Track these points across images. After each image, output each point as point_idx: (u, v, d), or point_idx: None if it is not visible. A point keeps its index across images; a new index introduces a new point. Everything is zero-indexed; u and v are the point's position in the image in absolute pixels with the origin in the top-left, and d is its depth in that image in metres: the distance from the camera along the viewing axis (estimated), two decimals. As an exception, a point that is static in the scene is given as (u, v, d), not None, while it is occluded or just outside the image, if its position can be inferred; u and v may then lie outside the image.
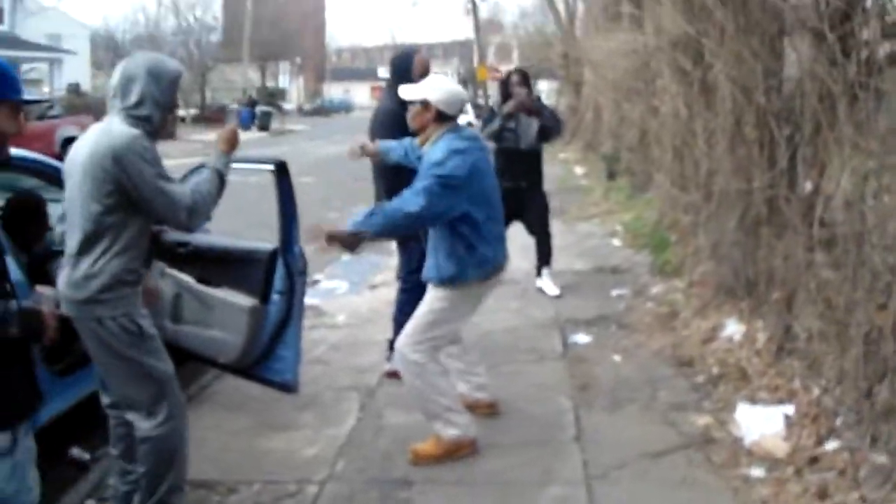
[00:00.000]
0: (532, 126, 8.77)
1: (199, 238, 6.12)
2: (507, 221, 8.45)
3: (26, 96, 3.40)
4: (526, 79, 9.11)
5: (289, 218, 5.46)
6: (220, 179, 4.37)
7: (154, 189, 3.99)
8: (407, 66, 6.38)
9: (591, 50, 19.05)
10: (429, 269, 5.26)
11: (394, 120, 6.24)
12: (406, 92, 5.20)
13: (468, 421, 5.31)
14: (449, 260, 5.10)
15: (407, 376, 5.22)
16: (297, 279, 5.52)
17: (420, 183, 4.88)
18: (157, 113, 4.19)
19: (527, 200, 8.93)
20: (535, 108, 8.80)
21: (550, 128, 8.84)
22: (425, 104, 5.10)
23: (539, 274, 9.40)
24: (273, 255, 5.46)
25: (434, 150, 5.01)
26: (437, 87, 5.17)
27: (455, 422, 5.21)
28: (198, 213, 4.18)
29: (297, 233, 5.52)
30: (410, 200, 4.81)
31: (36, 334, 3.07)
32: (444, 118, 5.11)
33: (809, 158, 5.79)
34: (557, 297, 9.05)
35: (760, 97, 6.30)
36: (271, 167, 5.41)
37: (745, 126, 6.61)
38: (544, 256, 9.38)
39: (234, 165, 6.35)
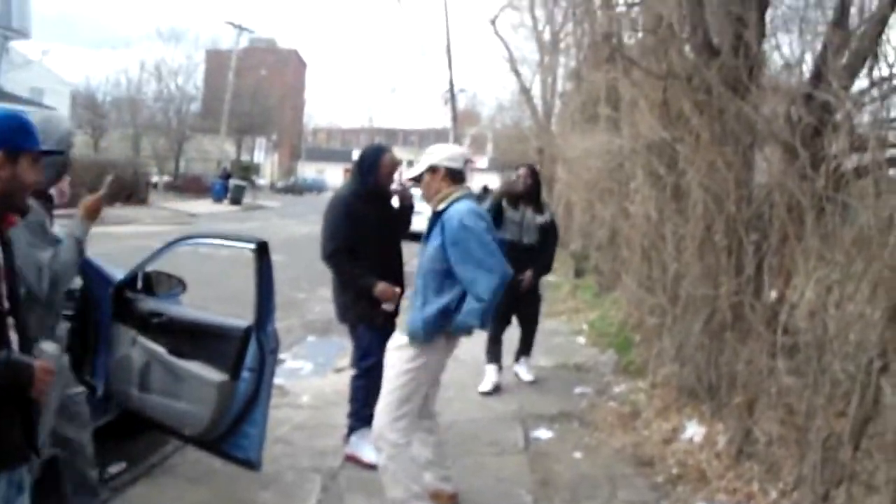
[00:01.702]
0: (535, 221, 9.06)
1: (174, 309, 6.18)
2: (507, 317, 8.95)
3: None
4: (533, 174, 9.38)
5: (265, 297, 5.52)
6: (79, 248, 4.36)
7: (25, 255, 3.99)
8: (374, 160, 6.52)
9: (566, 148, 19.28)
10: (413, 321, 5.28)
11: (342, 206, 6.49)
12: (410, 173, 5.51)
13: None
14: (440, 312, 5.18)
15: (381, 457, 5.23)
16: (268, 357, 5.57)
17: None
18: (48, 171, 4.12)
19: (523, 294, 9.08)
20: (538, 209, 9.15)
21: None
22: (433, 169, 5.34)
23: (517, 360, 9.61)
24: (248, 331, 5.51)
25: (455, 213, 5.17)
26: (434, 151, 5.44)
27: None
28: (59, 284, 4.22)
29: (273, 312, 5.58)
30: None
31: (22, 388, 3.02)
32: (455, 176, 5.35)
33: (776, 267, 5.92)
34: (532, 382, 9.36)
35: (731, 205, 6.44)
36: (252, 246, 5.48)
37: (715, 233, 6.75)
38: (527, 346, 9.62)
39: (215, 241, 6.46)
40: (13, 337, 3.08)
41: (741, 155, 6.57)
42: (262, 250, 5.51)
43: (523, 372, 9.57)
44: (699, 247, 7.07)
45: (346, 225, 6.40)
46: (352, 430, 6.74)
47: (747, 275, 6.24)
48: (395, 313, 6.49)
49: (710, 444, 6.63)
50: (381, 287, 6.28)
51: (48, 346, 3.16)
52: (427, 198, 5.44)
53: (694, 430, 6.95)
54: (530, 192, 9.15)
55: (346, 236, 6.41)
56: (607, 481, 6.41)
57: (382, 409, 5.24)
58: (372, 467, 6.30)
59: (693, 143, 7.09)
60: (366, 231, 6.37)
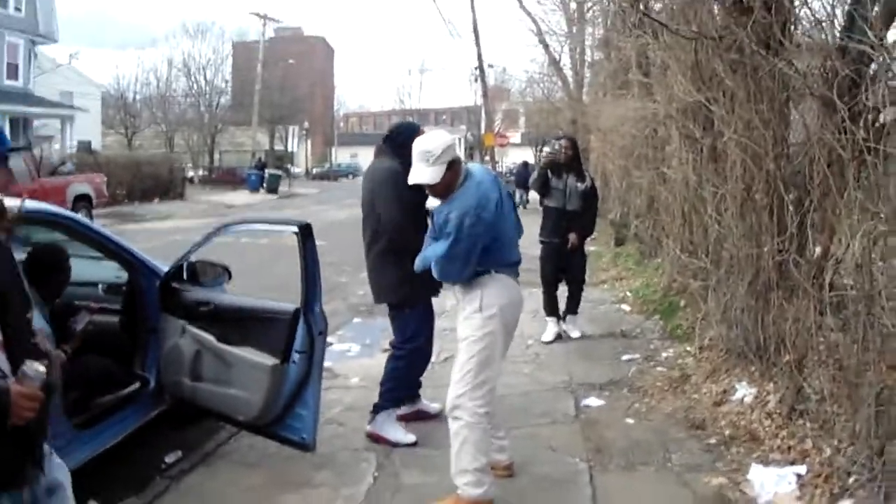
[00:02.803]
0: (577, 188, 9.86)
1: (221, 297, 6.24)
2: (557, 278, 9.88)
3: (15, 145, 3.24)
4: (573, 145, 10.33)
5: (311, 278, 5.57)
6: None
7: None
8: (410, 137, 6.17)
9: (599, 116, 19.22)
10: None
11: (397, 177, 6.28)
12: (421, 175, 5.15)
13: (491, 481, 5.31)
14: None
15: (457, 426, 5.19)
16: (317, 339, 5.61)
17: None
18: None
19: (570, 255, 9.96)
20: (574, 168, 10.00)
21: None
22: (453, 163, 5.13)
23: (565, 319, 10.31)
24: (296, 314, 5.55)
25: (457, 207, 5.09)
26: (439, 144, 5.16)
27: (481, 481, 5.21)
28: None
29: (320, 293, 5.61)
30: None
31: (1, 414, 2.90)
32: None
33: (819, 223, 5.86)
34: (579, 338, 10.12)
35: (770, 163, 6.41)
36: (295, 229, 5.52)
37: (755, 192, 6.71)
38: (574, 305, 10.38)
39: (259, 226, 6.51)
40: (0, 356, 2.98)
41: (777, 112, 6.52)
42: (306, 232, 5.56)
43: (572, 329, 10.24)
44: (740, 207, 7.03)
45: (404, 196, 6.19)
46: (379, 408, 6.70)
47: (790, 232, 6.19)
48: (436, 293, 6.51)
49: (762, 404, 6.61)
50: None
51: (30, 369, 2.98)
52: (443, 196, 5.22)
53: (744, 391, 6.94)
54: (571, 162, 9.98)
55: (406, 208, 6.27)
56: (660, 446, 6.41)
57: (461, 378, 5.19)
58: (395, 445, 6.44)
59: (728, 103, 7.04)
60: (410, 206, 6.33)
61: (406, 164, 6.28)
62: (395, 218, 6.38)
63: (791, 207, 6.16)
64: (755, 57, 6.41)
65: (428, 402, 7.08)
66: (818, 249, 5.90)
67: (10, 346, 3.02)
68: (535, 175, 10.54)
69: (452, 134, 5.79)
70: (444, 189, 5.17)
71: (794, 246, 6.17)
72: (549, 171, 10.00)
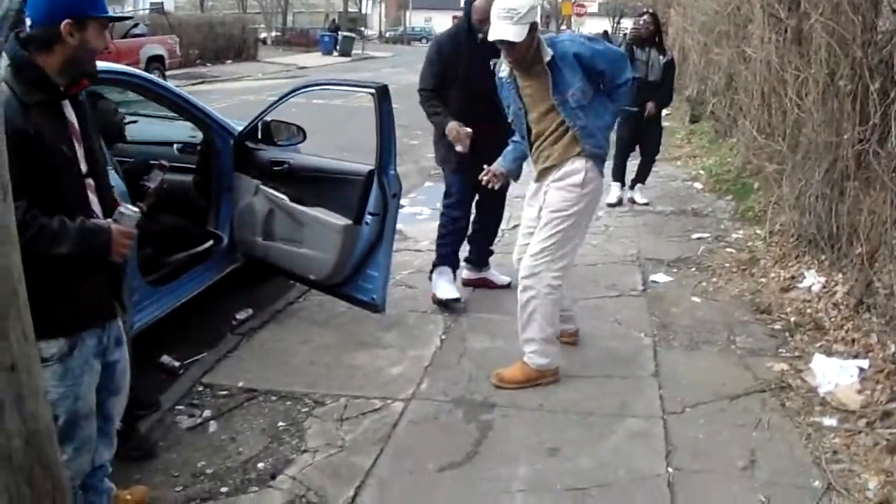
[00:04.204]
0: (660, 61, 10.35)
1: (296, 157, 6.27)
2: (632, 146, 10.37)
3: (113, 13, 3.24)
4: (655, 20, 10.77)
5: (387, 141, 5.55)
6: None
7: None
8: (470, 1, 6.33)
9: (680, -10, 18.79)
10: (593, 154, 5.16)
11: (434, 47, 6.55)
12: (504, 31, 4.81)
13: (557, 351, 5.40)
14: (607, 126, 5.28)
15: (527, 295, 5.20)
16: (391, 202, 5.64)
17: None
18: None
19: (646, 125, 10.39)
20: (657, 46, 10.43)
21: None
22: (535, 26, 4.88)
23: (633, 187, 10.97)
24: (370, 176, 5.58)
25: (570, 42, 5.08)
26: (522, 6, 4.80)
27: (547, 351, 5.29)
28: None
29: (395, 156, 5.62)
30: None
31: (100, 252, 3.04)
32: None
33: (903, 114, 5.74)
34: (645, 204, 10.71)
35: (857, 50, 6.25)
36: (372, 91, 5.50)
37: (839, 78, 6.56)
38: (642, 175, 11.02)
39: (336, 87, 6.51)
40: (94, 199, 3.10)
41: (869, -4, 6.33)
42: (383, 94, 5.52)
43: (638, 196, 10.92)
44: (822, 93, 6.89)
45: (435, 66, 6.37)
46: (433, 266, 6.85)
47: (872, 122, 6.05)
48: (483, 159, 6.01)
49: (829, 293, 6.59)
50: (449, 126, 6.22)
51: (127, 209, 3.17)
52: (519, 60, 5.01)
53: (812, 280, 6.92)
54: (653, 36, 10.43)
55: (432, 77, 6.40)
56: (725, 327, 6.43)
57: (541, 250, 5.13)
58: (440, 303, 6.63)
59: (817, -16, 6.86)
60: (454, 73, 6.29)
61: (462, 31, 6.41)
62: (419, 87, 6.56)
63: (876, 97, 6.02)
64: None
65: (497, 273, 7.14)
66: (900, 142, 5.78)
67: (100, 191, 3.15)
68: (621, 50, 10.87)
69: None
70: (524, 52, 4.93)
71: (875, 136, 6.04)
72: (633, 46, 10.45)
